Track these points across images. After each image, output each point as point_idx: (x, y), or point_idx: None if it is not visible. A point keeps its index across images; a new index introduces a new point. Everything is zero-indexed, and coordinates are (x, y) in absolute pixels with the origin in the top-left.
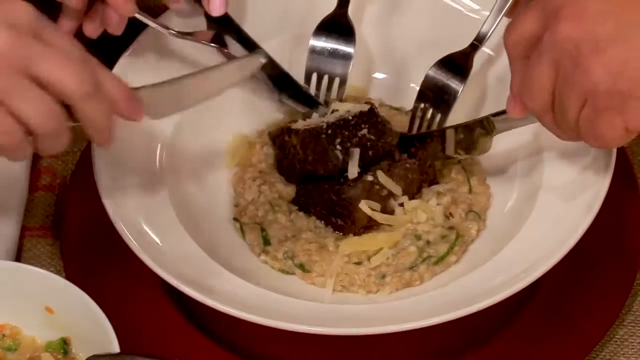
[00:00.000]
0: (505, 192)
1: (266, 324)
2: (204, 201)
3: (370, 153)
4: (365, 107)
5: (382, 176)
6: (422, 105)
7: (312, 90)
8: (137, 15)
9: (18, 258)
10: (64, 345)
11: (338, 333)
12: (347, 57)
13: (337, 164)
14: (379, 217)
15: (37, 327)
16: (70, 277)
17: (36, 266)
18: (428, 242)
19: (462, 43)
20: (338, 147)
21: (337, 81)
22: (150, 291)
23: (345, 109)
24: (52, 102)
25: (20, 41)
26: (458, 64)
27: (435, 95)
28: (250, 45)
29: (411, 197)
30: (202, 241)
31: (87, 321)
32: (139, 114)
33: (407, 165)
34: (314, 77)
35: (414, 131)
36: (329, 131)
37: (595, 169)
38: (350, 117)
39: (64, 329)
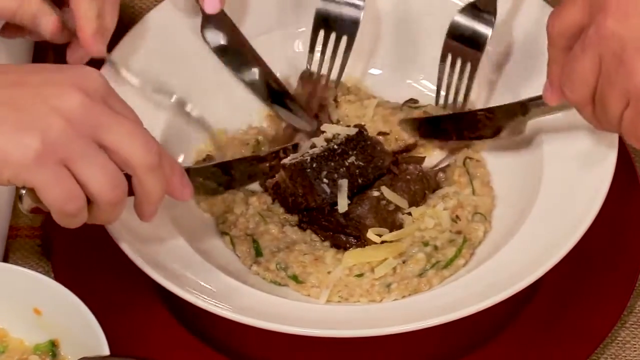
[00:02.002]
0: (508, 193)
1: (260, 326)
2: (193, 210)
3: (360, 181)
4: (353, 131)
5: (387, 191)
6: (449, 64)
7: (319, 48)
8: (106, 59)
9: (5, 259)
10: (53, 347)
11: (334, 335)
12: (355, 18)
13: (326, 197)
14: (389, 237)
15: (25, 329)
16: (59, 278)
17: (24, 267)
18: (436, 248)
19: None
20: (325, 180)
21: (344, 40)
22: (141, 292)
23: (334, 131)
24: (118, 170)
25: (92, 106)
26: (482, 8)
27: (462, 44)
28: (240, 43)
29: (417, 206)
30: (195, 244)
31: (76, 323)
32: (188, 194)
33: (408, 177)
34: (321, 33)
35: (443, 99)
36: (314, 164)
37: (597, 168)
38: (335, 146)
39: (53, 331)
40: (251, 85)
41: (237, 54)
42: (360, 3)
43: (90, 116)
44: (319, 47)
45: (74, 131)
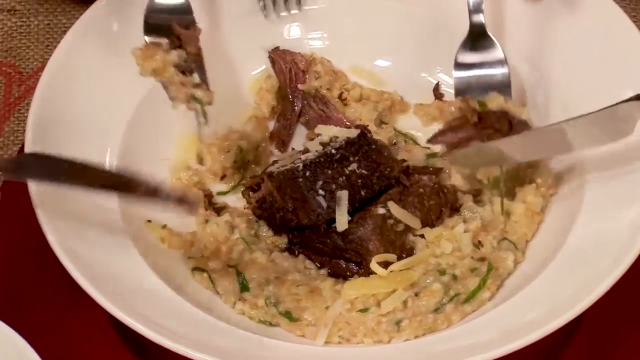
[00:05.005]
0: (548, 221)
1: None
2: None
3: (362, 193)
4: (355, 133)
5: (395, 208)
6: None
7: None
8: None
9: None
10: None
11: None
12: None
13: (322, 213)
14: (398, 266)
15: None
16: None
17: None
18: (455, 277)
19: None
20: (320, 191)
21: None
22: (94, 329)
23: (330, 133)
24: None
25: None
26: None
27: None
28: None
29: (432, 226)
30: (167, 279)
31: None
32: None
33: (421, 190)
34: None
35: None
36: (308, 172)
37: None
38: (333, 151)
39: None
40: None
41: None
42: None
43: None
44: None
45: None
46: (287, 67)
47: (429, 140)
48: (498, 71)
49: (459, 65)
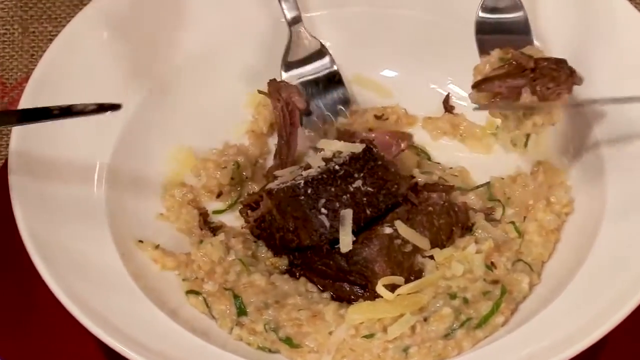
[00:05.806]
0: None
1: None
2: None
3: (368, 212)
4: (359, 148)
5: (402, 227)
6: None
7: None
8: None
9: None
10: None
11: None
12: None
13: (325, 233)
14: (405, 289)
15: None
16: None
17: None
18: (466, 301)
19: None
20: (323, 210)
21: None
22: (83, 356)
23: (334, 148)
24: None
25: None
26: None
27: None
28: None
29: (442, 247)
30: (160, 303)
31: None
32: None
33: (430, 208)
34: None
35: None
36: (309, 190)
37: None
38: (337, 167)
39: None
40: None
41: None
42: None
43: None
44: None
45: None
46: (281, 104)
47: (473, 86)
48: (519, 16)
49: (484, 9)
